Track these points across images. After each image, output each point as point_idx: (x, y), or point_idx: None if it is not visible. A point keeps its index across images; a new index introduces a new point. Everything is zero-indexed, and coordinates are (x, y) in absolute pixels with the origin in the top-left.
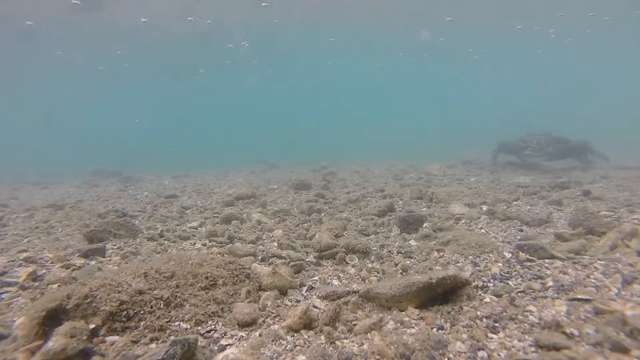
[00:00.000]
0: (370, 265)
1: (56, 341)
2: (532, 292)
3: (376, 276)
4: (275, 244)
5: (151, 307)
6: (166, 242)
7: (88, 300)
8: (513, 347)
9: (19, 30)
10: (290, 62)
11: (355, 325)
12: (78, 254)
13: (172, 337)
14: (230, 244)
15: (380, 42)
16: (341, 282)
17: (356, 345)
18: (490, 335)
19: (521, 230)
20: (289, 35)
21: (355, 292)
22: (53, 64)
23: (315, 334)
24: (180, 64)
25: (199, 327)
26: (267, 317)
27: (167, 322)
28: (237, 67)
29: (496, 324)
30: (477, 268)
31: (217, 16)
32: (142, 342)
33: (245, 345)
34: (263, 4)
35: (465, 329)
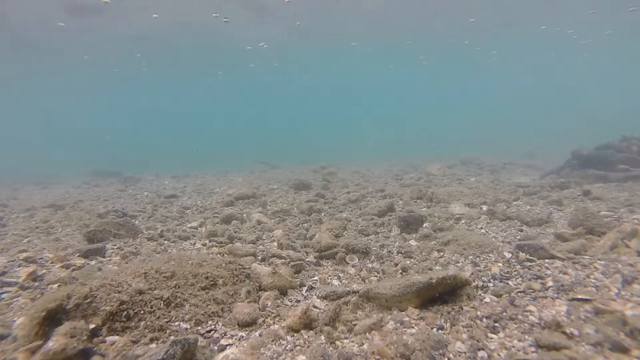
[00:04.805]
0: (370, 265)
1: (56, 341)
2: (532, 292)
3: (376, 276)
4: (275, 244)
5: (151, 307)
6: (166, 242)
7: (88, 300)
8: (513, 347)
9: (25, 38)
10: (306, 65)
11: (355, 325)
12: (78, 254)
13: (172, 337)
14: (230, 244)
15: (399, 44)
16: (341, 282)
17: (356, 345)
18: (490, 335)
19: (521, 230)
20: (306, 38)
21: (355, 292)
22: (66, 66)
23: (315, 334)
24: (198, 66)
25: (199, 327)
26: (267, 317)
27: (167, 322)
28: (257, 69)
29: (496, 324)
30: (477, 268)
31: (236, 19)
32: (142, 342)
33: (245, 345)
34: (286, 0)
35: (465, 329)
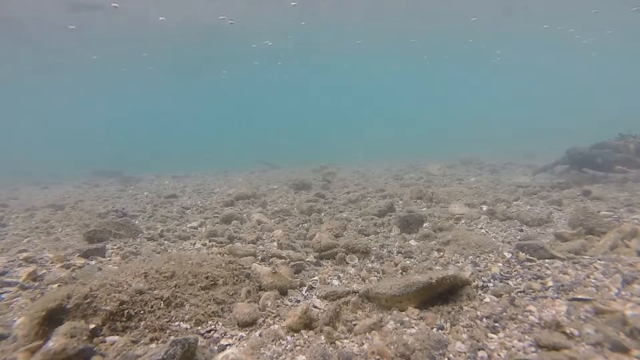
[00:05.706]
0: (370, 265)
1: (56, 341)
2: (532, 292)
3: (376, 276)
4: (275, 244)
5: (151, 307)
6: (166, 242)
7: (88, 300)
8: (513, 347)
9: (21, 34)
10: (311, 64)
11: (355, 325)
12: (78, 254)
13: (172, 337)
14: (230, 244)
15: (400, 45)
16: (341, 282)
17: (356, 345)
18: (490, 335)
19: (521, 230)
20: (309, 36)
21: (355, 292)
22: (67, 66)
23: (315, 334)
24: (202, 65)
25: (199, 327)
26: (267, 317)
27: (167, 322)
28: (262, 67)
29: (496, 324)
30: (477, 268)
31: (243, 17)
32: (142, 342)
33: (245, 345)
34: (292, 4)
35: (465, 329)
